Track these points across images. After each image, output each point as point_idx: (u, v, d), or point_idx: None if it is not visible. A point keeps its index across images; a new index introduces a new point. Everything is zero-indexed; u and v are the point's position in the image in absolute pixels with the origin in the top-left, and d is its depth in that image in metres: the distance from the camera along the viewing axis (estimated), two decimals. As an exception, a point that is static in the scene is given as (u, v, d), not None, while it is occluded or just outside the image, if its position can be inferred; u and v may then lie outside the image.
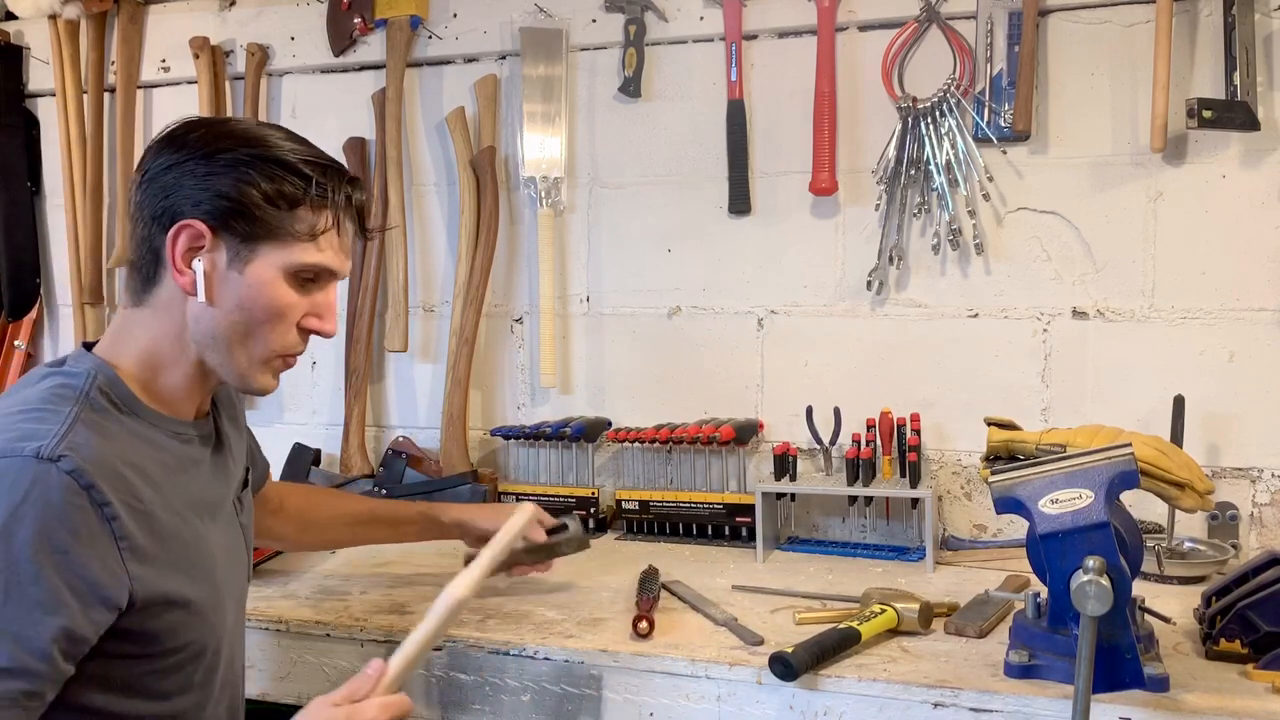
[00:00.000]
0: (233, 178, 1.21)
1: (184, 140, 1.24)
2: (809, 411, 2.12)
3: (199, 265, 1.21)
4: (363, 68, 2.53)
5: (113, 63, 2.67)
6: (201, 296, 1.22)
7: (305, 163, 1.24)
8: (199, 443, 1.31)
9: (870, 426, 2.07)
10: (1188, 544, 1.90)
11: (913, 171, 2.13)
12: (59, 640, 1.06)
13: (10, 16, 2.79)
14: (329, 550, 2.02)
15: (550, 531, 1.76)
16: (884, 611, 1.54)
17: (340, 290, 1.88)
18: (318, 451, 2.43)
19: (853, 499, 2.10)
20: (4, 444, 1.10)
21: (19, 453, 1.09)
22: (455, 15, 2.44)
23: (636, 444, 2.25)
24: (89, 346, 1.29)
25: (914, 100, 2.12)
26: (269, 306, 1.24)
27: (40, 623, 1.05)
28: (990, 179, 2.10)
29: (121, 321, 1.28)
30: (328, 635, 1.67)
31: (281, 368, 1.31)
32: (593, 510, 2.25)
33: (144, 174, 1.25)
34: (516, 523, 1.51)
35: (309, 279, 1.27)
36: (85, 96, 2.69)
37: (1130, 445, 1.38)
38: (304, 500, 1.79)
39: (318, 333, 1.30)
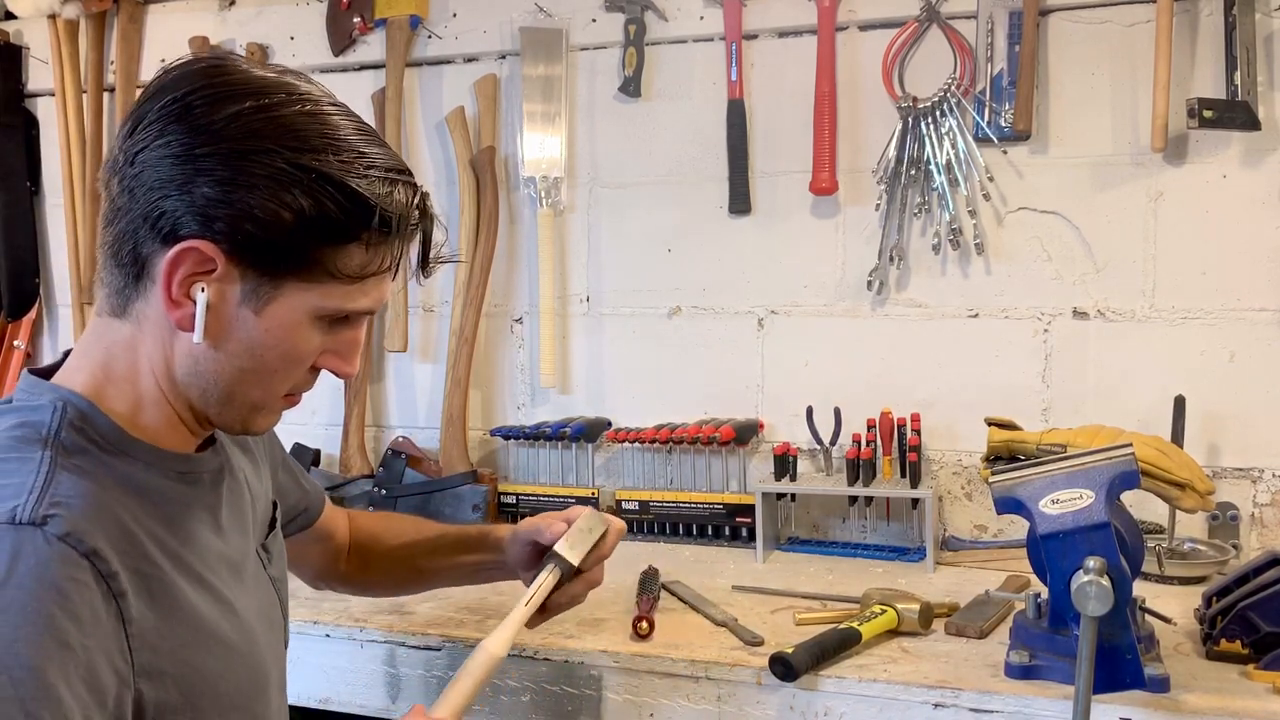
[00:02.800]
0: (267, 194, 0.89)
1: (206, 118, 0.90)
2: (809, 411, 2.12)
3: (201, 297, 0.91)
4: (362, 67, 2.52)
5: (112, 62, 2.67)
6: (199, 338, 0.92)
7: (371, 180, 0.92)
8: (209, 482, 1.04)
9: (870, 426, 2.07)
10: (1188, 544, 1.90)
11: (913, 171, 2.13)
12: None
13: (10, 16, 2.78)
14: (395, 595, 1.64)
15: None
16: (884, 612, 1.54)
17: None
18: (317, 452, 2.43)
19: (853, 499, 2.10)
20: None
21: None
22: (455, 15, 2.44)
23: (636, 444, 2.25)
24: (42, 373, 0.99)
25: (914, 100, 2.12)
26: (285, 356, 0.96)
27: None
28: (991, 179, 2.10)
29: (94, 333, 0.99)
30: (328, 635, 1.66)
31: (286, 407, 1.04)
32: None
33: (137, 148, 0.91)
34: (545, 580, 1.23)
35: (340, 320, 0.99)
36: (85, 96, 2.69)
37: (1131, 445, 1.38)
38: (366, 527, 1.44)
39: (335, 373, 1.03)
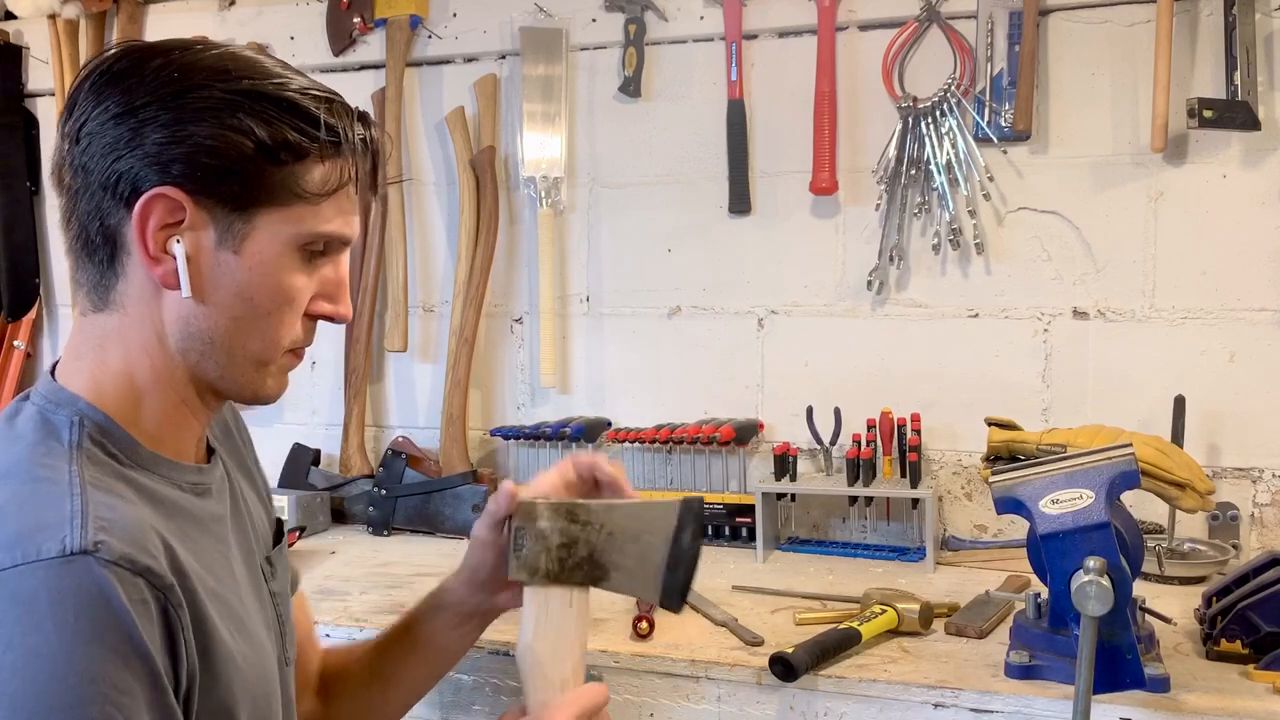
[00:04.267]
0: (215, 124, 0.89)
1: (135, 75, 0.90)
2: (809, 411, 2.12)
3: (178, 249, 0.90)
4: (362, 67, 2.52)
5: (112, 62, 2.67)
6: (186, 291, 0.91)
7: (308, 97, 0.94)
8: (216, 494, 1.02)
9: (870, 426, 2.07)
10: (1188, 544, 1.90)
11: (913, 171, 2.13)
12: None
13: (10, 16, 2.78)
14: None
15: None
16: (884, 612, 1.54)
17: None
18: (317, 452, 2.43)
19: (853, 499, 2.10)
20: (5, 549, 0.79)
21: (33, 557, 0.79)
22: (455, 15, 2.44)
23: (636, 444, 2.25)
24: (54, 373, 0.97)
25: (914, 100, 2.12)
26: (277, 291, 0.95)
27: None
28: (991, 179, 2.10)
29: (80, 334, 0.96)
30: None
31: (290, 365, 1.02)
32: (593, 510, 2.24)
33: (79, 125, 0.91)
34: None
35: (317, 251, 0.98)
36: (85, 96, 2.69)
37: (1131, 445, 1.38)
38: (323, 655, 1.30)
39: (331, 318, 1.02)
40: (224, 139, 0.89)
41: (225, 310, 0.94)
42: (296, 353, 1.01)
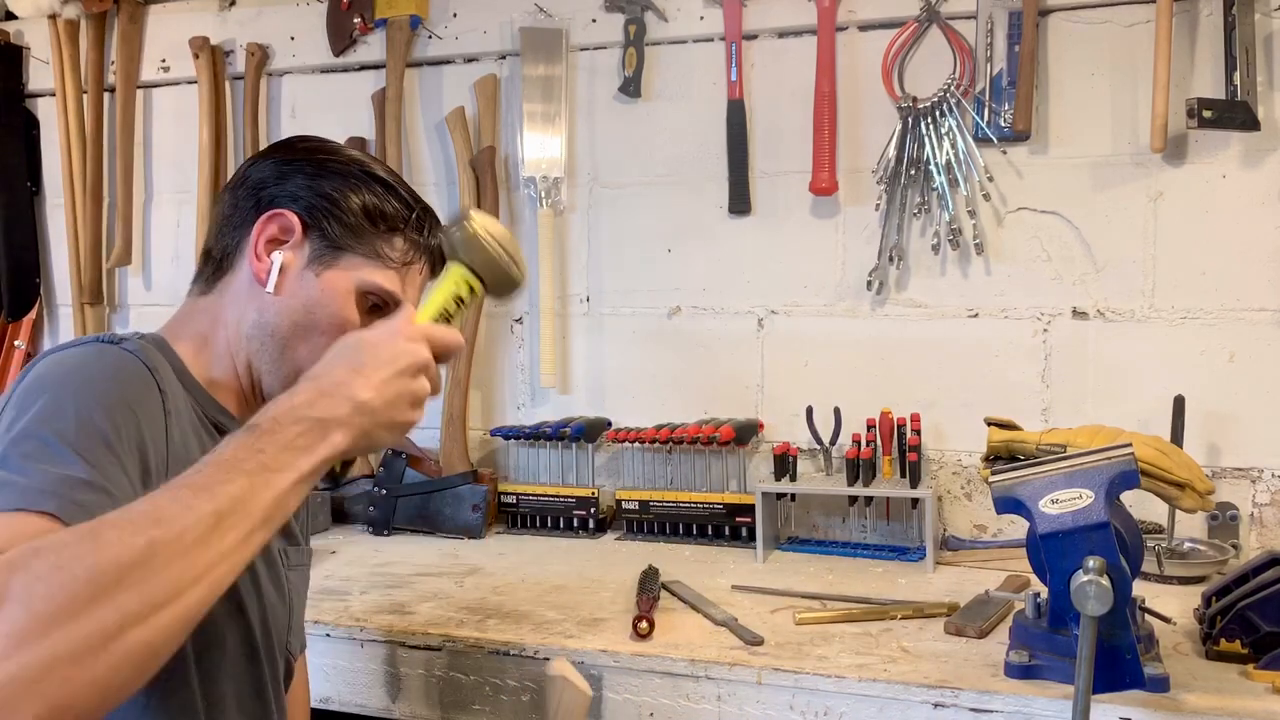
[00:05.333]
0: (340, 183, 1.18)
1: (293, 146, 1.24)
2: (809, 411, 2.12)
3: (278, 257, 1.16)
4: (363, 67, 2.53)
5: (112, 63, 2.67)
6: (271, 287, 1.16)
7: (410, 195, 1.23)
8: None
9: (870, 426, 2.07)
10: (1188, 544, 1.90)
11: (913, 171, 2.13)
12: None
13: (10, 16, 2.79)
14: None
15: None
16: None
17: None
18: (317, 451, 2.43)
19: (853, 499, 2.10)
20: (61, 345, 1.08)
21: (81, 343, 1.07)
22: (455, 15, 2.44)
23: (636, 444, 2.25)
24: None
25: (914, 100, 2.12)
26: (333, 317, 1.16)
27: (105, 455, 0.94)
28: (990, 179, 2.10)
29: (183, 308, 1.23)
30: (328, 635, 1.66)
31: None
32: (593, 510, 2.25)
33: (242, 178, 1.22)
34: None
35: (376, 306, 1.20)
36: (85, 96, 2.69)
37: (1130, 445, 1.38)
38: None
39: None
40: (343, 194, 1.18)
41: (291, 314, 1.17)
42: None
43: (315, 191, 1.18)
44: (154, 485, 0.96)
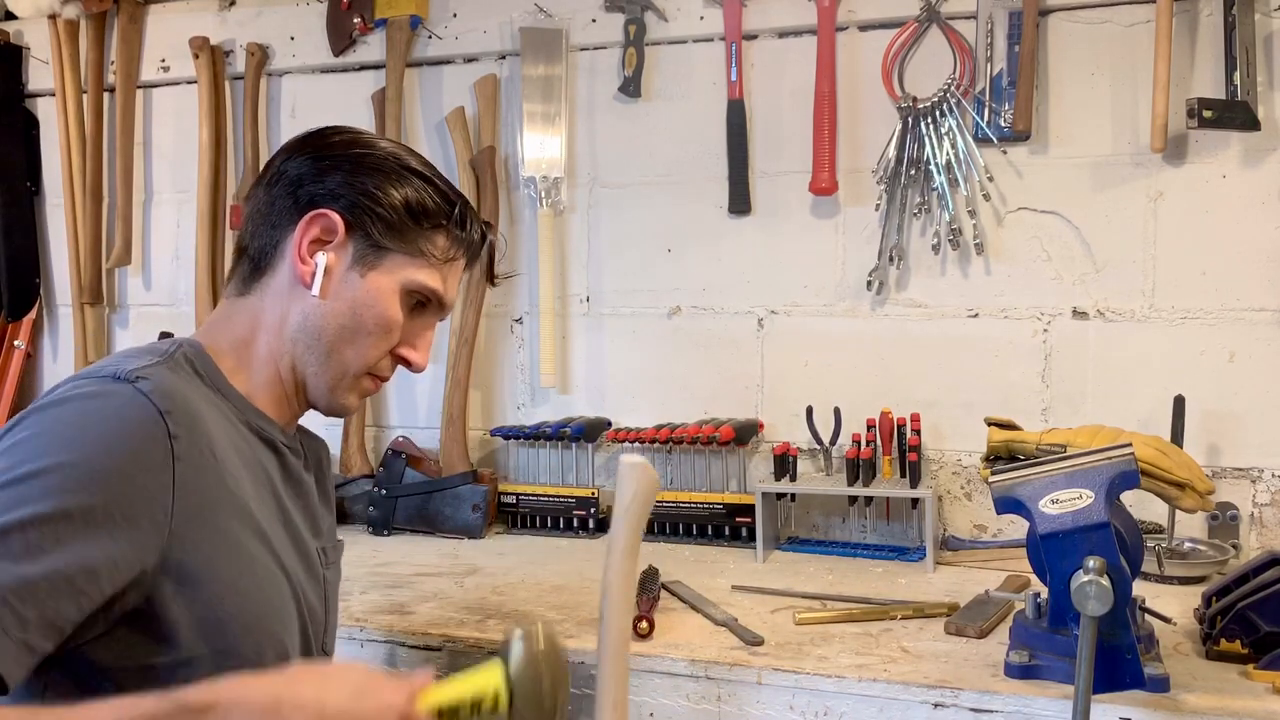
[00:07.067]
0: (381, 180, 1.17)
1: (328, 140, 1.21)
2: (809, 411, 2.12)
3: (322, 259, 1.15)
4: (362, 67, 2.52)
5: (112, 63, 2.67)
6: (316, 290, 1.15)
7: (450, 189, 1.22)
8: (280, 453, 1.20)
9: (870, 426, 2.07)
10: (1188, 544, 1.90)
11: (913, 171, 2.13)
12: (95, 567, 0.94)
13: (10, 16, 2.79)
14: None
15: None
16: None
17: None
18: (317, 451, 2.43)
19: (853, 499, 2.10)
20: (85, 373, 1.07)
21: (97, 374, 1.05)
22: (455, 15, 2.44)
23: (636, 444, 2.24)
24: None
25: (914, 100, 2.12)
26: (379, 318, 1.17)
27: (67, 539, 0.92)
28: (990, 179, 2.10)
29: (221, 309, 1.22)
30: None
31: (367, 390, 1.23)
32: (593, 510, 2.25)
33: (276, 173, 1.19)
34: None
35: (420, 303, 1.21)
36: (85, 96, 2.69)
37: (1130, 445, 1.38)
38: None
39: (407, 363, 1.23)
40: (385, 191, 1.16)
41: (337, 316, 1.16)
42: (375, 380, 1.23)
43: (356, 189, 1.16)
44: (162, 534, 0.98)
